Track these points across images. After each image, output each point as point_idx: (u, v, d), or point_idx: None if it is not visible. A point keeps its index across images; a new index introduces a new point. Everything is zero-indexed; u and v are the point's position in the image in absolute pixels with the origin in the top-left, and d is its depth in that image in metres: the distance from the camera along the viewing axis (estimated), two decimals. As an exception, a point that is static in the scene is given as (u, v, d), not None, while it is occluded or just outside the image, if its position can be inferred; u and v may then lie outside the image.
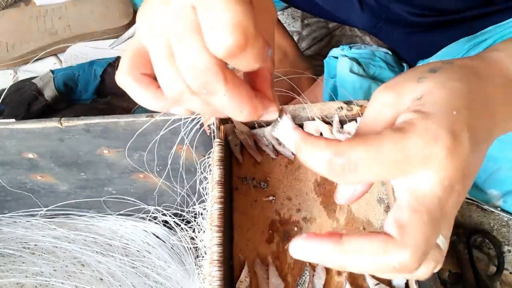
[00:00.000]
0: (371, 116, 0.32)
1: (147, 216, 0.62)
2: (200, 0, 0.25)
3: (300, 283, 0.44)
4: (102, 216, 0.63)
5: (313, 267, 0.45)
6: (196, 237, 0.50)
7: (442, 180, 0.27)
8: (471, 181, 0.30)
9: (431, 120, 0.28)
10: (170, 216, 0.59)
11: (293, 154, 0.51)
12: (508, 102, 0.33)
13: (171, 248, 0.60)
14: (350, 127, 0.51)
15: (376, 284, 0.43)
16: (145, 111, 0.49)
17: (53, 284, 0.58)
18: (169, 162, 0.53)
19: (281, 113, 0.32)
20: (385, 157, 0.27)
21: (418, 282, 0.42)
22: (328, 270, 0.45)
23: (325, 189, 0.50)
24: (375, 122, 0.31)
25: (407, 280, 0.43)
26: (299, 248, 0.29)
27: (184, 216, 0.58)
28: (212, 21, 0.24)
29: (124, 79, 0.31)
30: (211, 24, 0.25)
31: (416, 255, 0.27)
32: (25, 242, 0.62)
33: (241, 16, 0.24)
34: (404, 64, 0.76)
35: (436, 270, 0.31)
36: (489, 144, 0.31)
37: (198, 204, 0.50)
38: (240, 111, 0.28)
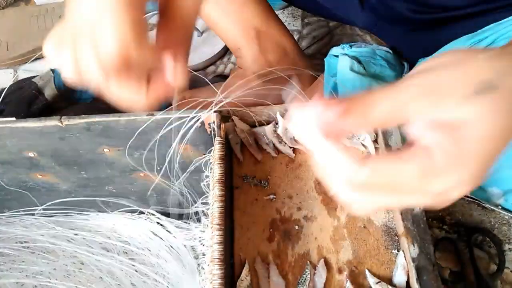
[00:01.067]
0: (394, 109, 0.28)
1: (148, 215, 0.61)
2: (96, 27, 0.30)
3: (301, 282, 0.44)
4: (102, 215, 0.63)
5: (313, 265, 0.45)
6: (197, 236, 0.50)
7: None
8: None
9: (457, 170, 0.27)
10: (170, 215, 0.59)
11: (293, 152, 0.51)
12: None
13: (171, 247, 0.60)
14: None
15: (377, 283, 0.43)
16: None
17: (52, 284, 0.58)
18: (169, 161, 0.53)
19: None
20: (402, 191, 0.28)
21: (419, 280, 0.42)
22: (329, 269, 0.45)
23: (326, 187, 0.49)
24: (393, 118, 0.29)
25: (408, 278, 0.43)
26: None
27: (184, 214, 0.58)
28: (101, 31, 0.30)
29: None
30: (100, 33, 0.30)
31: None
32: (24, 242, 0.62)
33: (123, 27, 0.30)
34: (405, 63, 0.76)
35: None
36: None
37: (199, 203, 0.50)
38: (131, 101, 0.35)
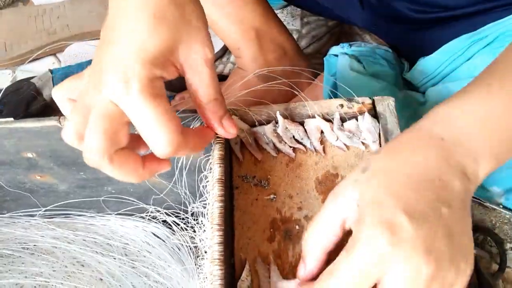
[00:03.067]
0: (326, 230, 0.36)
1: (147, 215, 0.61)
2: (133, 109, 0.34)
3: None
4: (102, 216, 0.63)
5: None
6: (197, 236, 0.49)
7: (409, 271, 0.30)
8: (460, 238, 0.32)
9: (365, 226, 0.31)
10: (170, 215, 0.58)
11: (294, 152, 0.51)
12: (454, 160, 0.35)
13: (171, 247, 0.59)
14: (351, 124, 0.51)
15: (378, 283, 0.43)
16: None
17: (52, 285, 0.58)
18: (169, 161, 0.52)
19: None
20: (348, 281, 0.31)
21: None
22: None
23: (327, 187, 0.49)
24: (330, 235, 0.35)
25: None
26: None
27: (184, 215, 0.57)
28: (149, 134, 0.34)
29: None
30: (149, 136, 0.34)
31: None
32: (24, 243, 0.61)
33: (170, 135, 0.34)
34: (405, 62, 0.76)
35: None
36: (449, 200, 0.33)
37: (199, 203, 0.50)
38: (128, 179, 0.36)
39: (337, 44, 0.76)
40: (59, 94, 0.40)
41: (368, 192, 0.34)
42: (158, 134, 0.33)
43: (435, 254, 0.30)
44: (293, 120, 0.51)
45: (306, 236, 0.37)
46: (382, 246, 0.30)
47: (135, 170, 0.36)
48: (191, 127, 0.48)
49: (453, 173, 0.34)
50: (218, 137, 0.47)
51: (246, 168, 0.51)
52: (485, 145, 0.36)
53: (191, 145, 0.37)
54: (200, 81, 0.37)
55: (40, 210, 0.61)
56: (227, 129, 0.41)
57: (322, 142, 0.51)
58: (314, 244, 0.36)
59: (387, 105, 0.51)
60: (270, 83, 0.56)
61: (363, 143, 0.51)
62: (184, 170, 0.52)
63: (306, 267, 0.37)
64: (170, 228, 0.60)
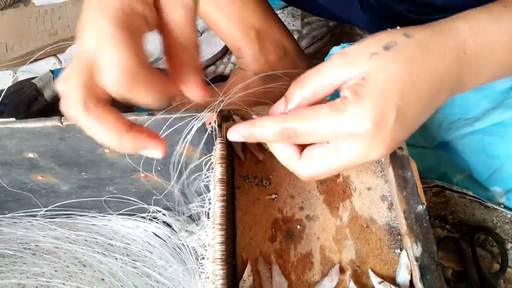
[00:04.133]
0: (323, 79, 0.36)
1: (149, 215, 0.61)
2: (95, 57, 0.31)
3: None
4: (103, 216, 0.63)
5: (324, 273, 0.45)
6: (198, 236, 0.50)
7: (362, 150, 0.35)
8: (395, 145, 0.36)
9: (362, 105, 0.33)
10: (171, 215, 0.58)
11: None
12: (460, 76, 0.37)
13: (173, 247, 0.59)
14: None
15: (380, 282, 0.43)
16: (146, 109, 0.49)
17: (54, 285, 0.58)
18: (170, 161, 0.52)
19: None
20: (320, 129, 0.34)
21: (422, 279, 0.42)
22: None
23: (328, 186, 0.49)
24: (325, 87, 0.36)
25: (411, 278, 0.43)
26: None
27: (185, 215, 0.57)
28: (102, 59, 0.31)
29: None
30: (101, 61, 0.31)
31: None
32: (26, 243, 0.61)
33: (121, 57, 0.30)
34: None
35: None
36: (431, 111, 0.37)
37: (200, 203, 0.50)
38: (106, 139, 0.33)
39: (337, 44, 0.76)
40: None
41: (381, 74, 0.34)
42: (115, 56, 0.30)
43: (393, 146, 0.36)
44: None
45: (301, 77, 0.37)
46: (364, 128, 0.33)
47: (116, 130, 0.33)
48: (191, 128, 0.48)
49: (452, 91, 0.37)
50: (219, 137, 0.47)
51: (248, 168, 0.51)
52: (491, 69, 0.38)
53: (151, 84, 0.32)
54: (174, 21, 0.34)
55: (42, 210, 0.62)
56: (191, 88, 0.37)
57: (323, 142, 0.51)
58: (305, 86, 0.36)
59: (388, 105, 0.51)
60: (272, 85, 0.55)
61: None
62: (185, 170, 0.52)
63: (287, 105, 0.37)
64: (172, 228, 0.60)
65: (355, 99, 0.33)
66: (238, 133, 0.38)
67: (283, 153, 0.38)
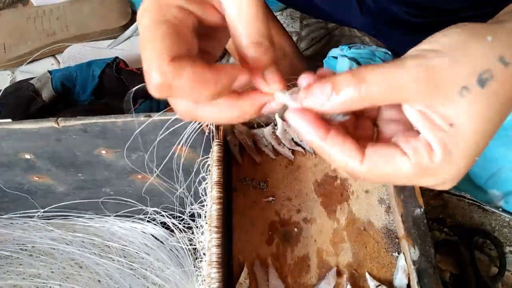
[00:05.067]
0: (394, 91, 0.27)
1: (146, 217, 0.61)
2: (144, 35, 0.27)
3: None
4: (100, 218, 0.63)
5: (323, 274, 0.45)
6: (195, 238, 0.49)
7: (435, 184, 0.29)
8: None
9: (452, 168, 0.28)
10: (168, 217, 0.58)
11: (292, 154, 0.51)
12: None
13: (170, 249, 0.59)
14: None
15: (377, 286, 0.43)
16: (143, 111, 0.49)
17: (50, 286, 0.58)
18: (168, 163, 0.52)
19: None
20: (396, 181, 0.29)
21: (420, 283, 0.41)
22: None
23: (325, 189, 0.49)
24: (391, 99, 0.28)
25: (409, 281, 0.43)
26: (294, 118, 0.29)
27: (182, 217, 0.57)
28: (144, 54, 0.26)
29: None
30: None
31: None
32: (22, 244, 0.61)
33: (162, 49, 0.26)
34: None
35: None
36: None
37: (197, 205, 0.50)
38: (227, 117, 0.29)
39: (336, 46, 0.76)
40: None
41: (472, 126, 0.27)
42: (149, 45, 0.26)
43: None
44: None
45: (367, 73, 0.27)
46: (445, 185, 0.29)
47: (216, 82, 0.27)
48: (188, 129, 0.48)
49: None
50: (217, 139, 0.47)
51: (245, 171, 0.51)
52: None
53: (221, 84, 0.27)
54: (240, 17, 0.29)
55: (39, 211, 0.61)
56: (270, 82, 0.30)
57: (321, 144, 0.51)
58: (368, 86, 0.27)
59: (386, 107, 0.50)
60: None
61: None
62: (182, 172, 0.52)
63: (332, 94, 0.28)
64: (169, 230, 0.60)
65: (444, 158, 0.27)
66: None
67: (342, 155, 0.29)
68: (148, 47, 0.26)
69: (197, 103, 0.29)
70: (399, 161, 0.28)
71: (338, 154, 0.28)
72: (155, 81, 0.26)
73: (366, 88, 0.27)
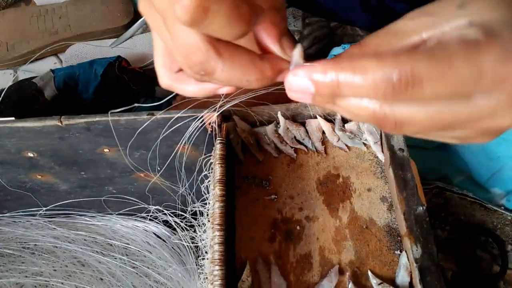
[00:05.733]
0: (397, 29, 0.26)
1: (148, 215, 0.61)
2: None
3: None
4: (103, 216, 0.63)
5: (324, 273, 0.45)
6: (197, 236, 0.49)
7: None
8: None
9: (502, 40, 0.23)
10: (170, 215, 0.58)
11: (295, 152, 0.51)
12: None
13: (172, 248, 0.59)
14: (352, 125, 0.50)
15: (379, 284, 0.43)
16: (146, 110, 0.49)
17: (53, 284, 0.58)
18: (170, 161, 0.52)
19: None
20: (455, 74, 0.23)
21: (422, 281, 0.41)
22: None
23: (327, 187, 0.49)
24: (401, 36, 0.26)
25: (411, 279, 0.43)
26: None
27: (185, 215, 0.57)
28: None
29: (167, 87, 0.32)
30: None
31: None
32: (24, 242, 0.61)
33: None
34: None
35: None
36: None
37: (199, 203, 0.50)
38: (247, 79, 0.27)
39: (339, 45, 0.76)
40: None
41: (495, 14, 0.24)
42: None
43: None
44: (294, 120, 0.51)
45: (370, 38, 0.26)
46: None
47: (251, 60, 0.27)
48: (191, 127, 0.48)
49: None
50: (219, 137, 0.47)
51: (247, 169, 0.51)
52: None
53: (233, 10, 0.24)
54: None
55: (41, 209, 0.61)
56: (285, 49, 0.28)
57: (323, 142, 0.51)
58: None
59: (388, 105, 0.50)
60: (272, 87, 0.55)
61: (364, 144, 0.51)
62: (184, 170, 0.52)
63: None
64: (171, 229, 0.60)
65: (488, 34, 0.23)
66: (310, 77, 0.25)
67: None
68: None
69: (227, 38, 0.25)
70: (448, 48, 0.24)
71: (366, 64, 0.23)
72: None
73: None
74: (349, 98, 0.25)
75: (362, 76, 0.23)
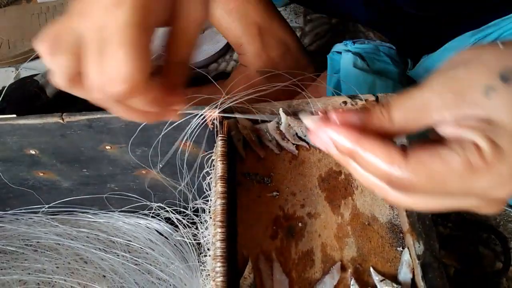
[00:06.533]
0: (423, 104, 0.27)
1: (150, 212, 0.61)
2: (106, 33, 0.28)
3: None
4: (105, 213, 0.63)
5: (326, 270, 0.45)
6: (199, 233, 0.49)
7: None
8: None
9: (506, 164, 0.25)
10: (172, 212, 0.58)
11: (296, 149, 0.51)
12: None
13: (174, 244, 0.59)
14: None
15: (381, 280, 0.43)
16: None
17: (55, 281, 0.58)
18: (172, 158, 0.52)
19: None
20: (446, 187, 0.26)
21: (424, 277, 0.41)
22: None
23: (329, 184, 0.49)
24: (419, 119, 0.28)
25: (413, 276, 0.43)
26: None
27: (187, 212, 0.57)
28: (108, 63, 0.28)
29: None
30: (107, 66, 0.28)
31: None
32: (27, 239, 0.62)
33: (134, 70, 0.28)
34: (408, 59, 0.76)
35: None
36: None
37: (201, 200, 0.50)
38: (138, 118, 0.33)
39: (340, 41, 0.76)
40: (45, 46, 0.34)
41: (509, 117, 0.26)
42: (122, 61, 0.28)
43: None
44: (296, 117, 0.51)
45: (394, 105, 0.28)
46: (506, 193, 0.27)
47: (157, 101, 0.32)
48: (192, 124, 0.48)
49: None
50: (221, 134, 0.47)
51: (249, 165, 0.51)
52: None
53: (151, 97, 0.31)
54: (183, 37, 0.33)
55: (43, 207, 0.62)
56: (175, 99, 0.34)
57: (325, 139, 0.51)
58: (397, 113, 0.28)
59: (390, 102, 0.50)
60: (277, 85, 0.55)
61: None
62: (186, 167, 0.52)
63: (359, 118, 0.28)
64: (173, 225, 0.60)
65: (493, 152, 0.25)
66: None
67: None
68: (130, 50, 0.28)
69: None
70: (447, 155, 0.26)
71: (378, 152, 0.26)
72: (128, 84, 0.28)
73: (394, 115, 0.27)
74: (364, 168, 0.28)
75: (372, 160, 0.27)
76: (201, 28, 0.34)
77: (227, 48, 0.95)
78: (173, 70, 0.34)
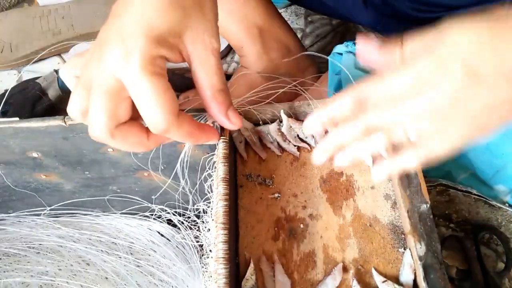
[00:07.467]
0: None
1: (152, 214, 0.61)
2: (131, 84, 0.33)
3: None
4: (107, 215, 0.63)
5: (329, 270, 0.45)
6: (201, 235, 0.50)
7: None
8: None
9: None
10: (174, 214, 0.58)
11: (298, 151, 0.51)
12: None
13: (176, 246, 0.59)
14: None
15: (383, 281, 0.43)
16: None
17: (58, 284, 0.58)
18: (173, 160, 0.52)
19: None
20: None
21: (426, 278, 0.41)
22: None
23: (331, 185, 0.49)
24: None
25: (415, 277, 0.43)
26: None
27: (189, 214, 0.57)
28: (145, 110, 0.33)
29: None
30: (145, 112, 0.34)
31: None
32: (30, 242, 0.62)
33: (165, 114, 0.33)
34: (409, 60, 0.76)
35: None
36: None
37: (203, 202, 0.50)
38: (134, 150, 0.38)
39: (341, 43, 0.76)
40: (66, 71, 0.42)
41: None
42: (153, 111, 0.33)
43: None
44: (297, 119, 0.51)
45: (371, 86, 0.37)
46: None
47: (140, 143, 0.37)
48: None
49: None
50: (222, 136, 0.47)
51: (251, 167, 0.51)
52: None
53: (185, 131, 0.36)
54: (206, 71, 0.37)
55: (46, 209, 0.62)
56: (233, 120, 0.40)
57: (326, 140, 0.51)
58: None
59: (391, 103, 0.50)
60: (281, 89, 0.55)
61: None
62: (187, 168, 0.52)
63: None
64: (175, 227, 0.60)
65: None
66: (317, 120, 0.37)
67: None
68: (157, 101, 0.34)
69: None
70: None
71: None
72: (163, 124, 0.34)
73: None
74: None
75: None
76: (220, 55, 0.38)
77: (228, 50, 0.95)
78: (216, 100, 0.38)
